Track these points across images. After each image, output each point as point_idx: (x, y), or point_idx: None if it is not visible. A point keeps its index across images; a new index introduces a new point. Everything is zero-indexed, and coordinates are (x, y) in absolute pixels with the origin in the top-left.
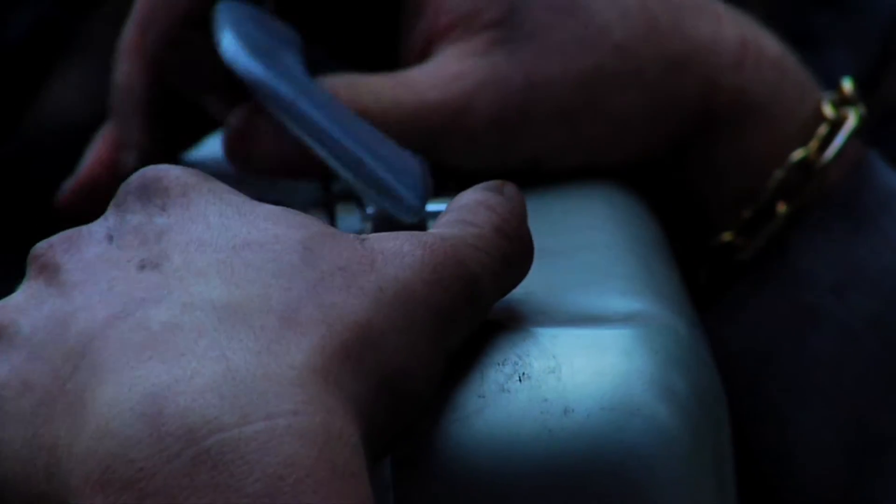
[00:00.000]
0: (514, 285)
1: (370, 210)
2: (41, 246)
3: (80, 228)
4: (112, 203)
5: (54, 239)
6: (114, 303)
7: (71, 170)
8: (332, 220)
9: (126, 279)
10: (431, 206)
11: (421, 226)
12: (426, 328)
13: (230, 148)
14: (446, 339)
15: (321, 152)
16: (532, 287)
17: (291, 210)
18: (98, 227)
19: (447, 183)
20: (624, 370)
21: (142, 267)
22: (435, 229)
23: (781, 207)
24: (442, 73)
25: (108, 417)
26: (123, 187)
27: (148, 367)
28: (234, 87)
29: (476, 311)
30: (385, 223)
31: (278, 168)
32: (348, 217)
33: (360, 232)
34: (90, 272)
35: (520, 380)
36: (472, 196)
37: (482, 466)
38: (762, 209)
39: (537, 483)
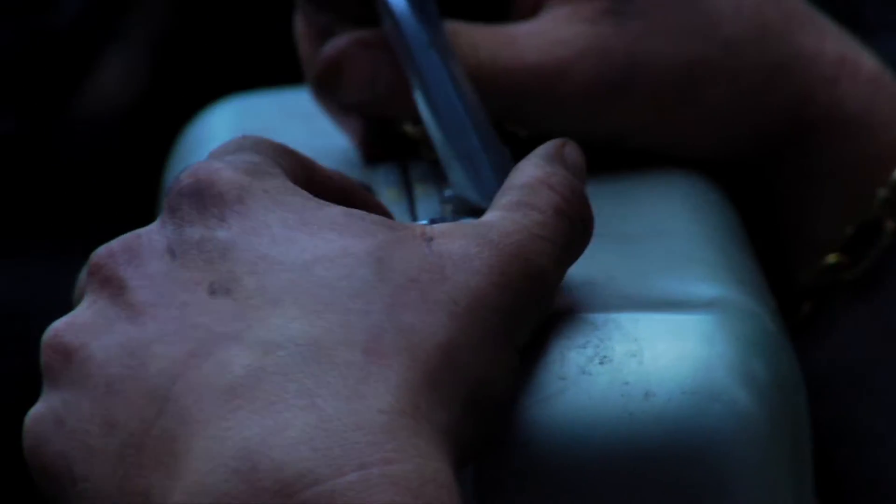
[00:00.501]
0: (572, 264)
1: (448, 193)
2: (101, 254)
3: (140, 235)
4: (165, 206)
5: (114, 246)
6: (190, 336)
7: (113, 153)
8: (410, 202)
9: (198, 305)
10: None
11: None
12: (499, 333)
13: (321, 76)
14: (518, 338)
15: (426, 111)
16: (613, 271)
17: (352, 212)
18: (158, 237)
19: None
20: (705, 355)
21: (212, 291)
22: (496, 212)
23: (890, 225)
24: (545, 35)
25: (202, 472)
26: (174, 188)
27: (238, 417)
28: (367, 20)
29: (544, 303)
30: (463, 206)
31: (365, 104)
32: (426, 198)
33: (435, 221)
34: (158, 294)
35: (601, 363)
36: (532, 173)
37: (562, 448)
38: (866, 228)
39: (616, 466)
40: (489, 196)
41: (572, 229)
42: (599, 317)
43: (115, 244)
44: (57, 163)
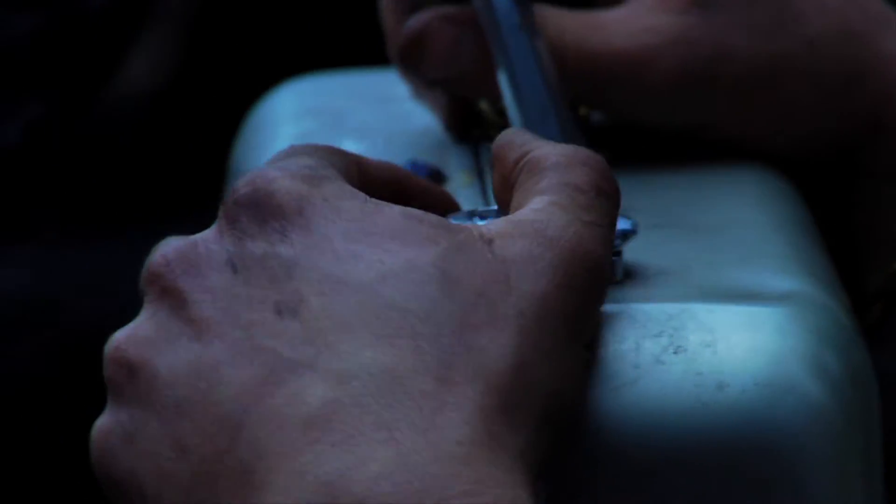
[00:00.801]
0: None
1: None
2: (157, 262)
3: (196, 244)
4: (223, 215)
5: (169, 254)
6: (259, 361)
7: (144, 139)
8: (482, 186)
9: (264, 326)
10: None
11: None
12: (569, 338)
13: (404, 49)
14: (584, 338)
15: (508, 92)
16: (687, 261)
17: (411, 213)
18: (216, 248)
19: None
20: (779, 347)
21: (278, 312)
22: (542, 200)
23: None
24: (633, 23)
25: None
26: (232, 198)
27: (316, 451)
28: None
29: (603, 292)
30: None
31: (447, 80)
32: None
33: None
34: (221, 310)
35: (675, 352)
36: (562, 151)
37: (634, 436)
38: None
39: (688, 456)
40: None
41: (613, 206)
42: (674, 307)
43: (171, 252)
44: (87, 148)
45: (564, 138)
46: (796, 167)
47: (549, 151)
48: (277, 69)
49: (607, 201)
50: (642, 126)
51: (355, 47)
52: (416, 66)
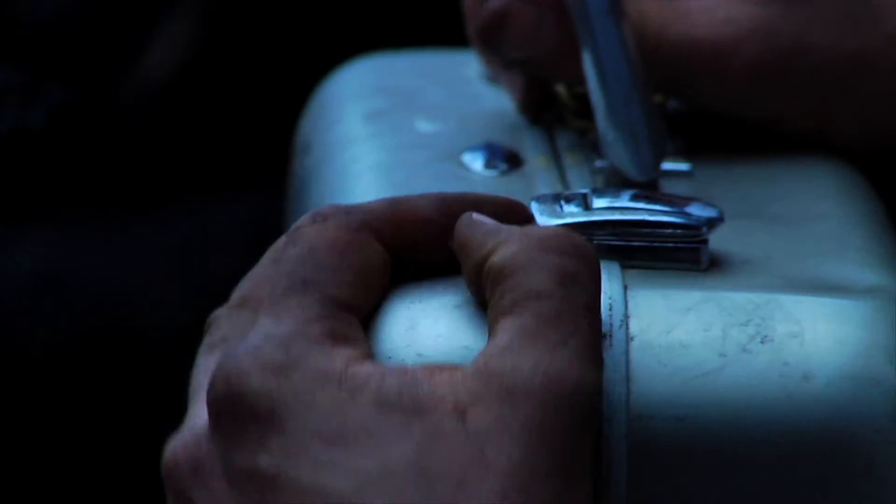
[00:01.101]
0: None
1: (599, 163)
2: (169, 459)
3: (200, 444)
4: (210, 412)
5: (179, 454)
6: None
7: (166, 124)
8: (560, 173)
9: None
10: (667, 166)
11: (652, 184)
12: (561, 490)
13: (484, 28)
14: (581, 474)
15: (593, 76)
16: (771, 252)
17: (385, 402)
18: (216, 450)
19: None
20: (866, 340)
21: None
22: (508, 336)
23: None
24: (716, 12)
25: None
26: (211, 393)
27: None
28: None
29: (591, 414)
30: (615, 178)
31: (526, 60)
32: (575, 167)
33: (587, 194)
34: None
35: (762, 342)
36: (520, 248)
37: (717, 424)
38: None
39: (771, 445)
40: (644, 170)
41: (591, 282)
42: (761, 296)
43: (181, 450)
44: (110, 133)
45: (646, 126)
46: (872, 161)
47: (507, 254)
48: (309, 48)
49: (579, 286)
50: (720, 116)
51: (405, 29)
52: (497, 45)
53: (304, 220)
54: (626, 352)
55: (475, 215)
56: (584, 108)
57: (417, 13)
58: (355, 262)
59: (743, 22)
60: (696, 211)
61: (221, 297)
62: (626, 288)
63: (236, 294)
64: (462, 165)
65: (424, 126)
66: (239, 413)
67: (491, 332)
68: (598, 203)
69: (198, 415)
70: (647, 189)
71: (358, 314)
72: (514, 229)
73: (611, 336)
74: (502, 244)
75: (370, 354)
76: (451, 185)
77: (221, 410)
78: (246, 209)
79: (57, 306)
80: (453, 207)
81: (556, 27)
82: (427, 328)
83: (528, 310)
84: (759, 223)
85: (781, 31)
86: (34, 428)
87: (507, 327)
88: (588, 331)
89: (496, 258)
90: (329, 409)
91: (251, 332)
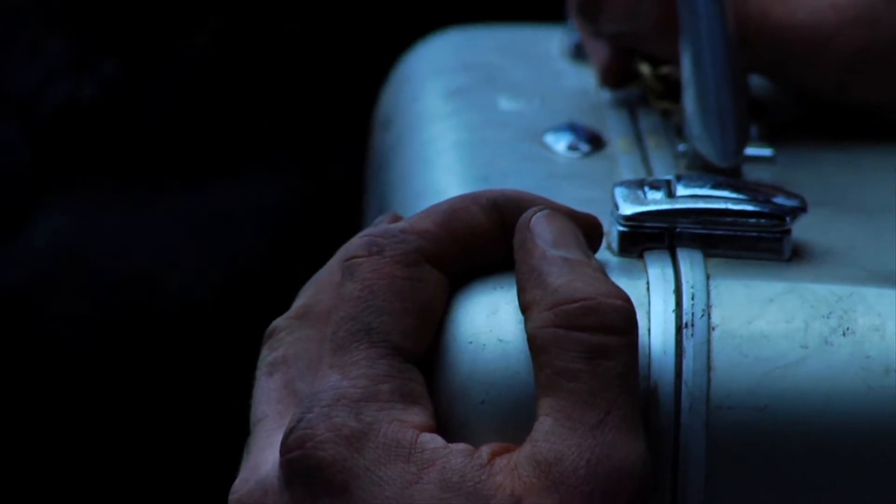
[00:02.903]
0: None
1: (683, 147)
2: (234, 500)
3: (265, 492)
4: (285, 475)
5: (245, 501)
6: None
7: (200, 105)
8: (643, 155)
9: None
10: (749, 151)
11: (735, 171)
12: None
13: (582, 2)
14: None
15: (689, 57)
16: (853, 242)
17: (450, 486)
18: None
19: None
20: None
21: None
22: (546, 411)
23: None
24: None
25: None
26: (285, 455)
27: None
28: None
29: (641, 487)
30: (698, 163)
31: (623, 35)
32: (658, 151)
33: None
34: None
35: (844, 334)
36: (542, 323)
37: (798, 415)
38: None
39: (851, 438)
40: (728, 157)
41: (627, 346)
42: (843, 288)
43: (246, 499)
44: (158, 108)
45: (734, 113)
46: None
47: (537, 324)
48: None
49: (608, 359)
50: (815, 101)
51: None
52: (595, 16)
53: (358, 247)
54: (708, 341)
55: (528, 241)
56: (667, 89)
57: None
58: (417, 303)
59: (845, 9)
60: (780, 200)
61: (246, 275)
62: (708, 277)
63: (297, 303)
64: (544, 146)
65: (506, 104)
66: (312, 483)
67: (537, 405)
68: (682, 191)
69: (266, 461)
70: (731, 175)
71: (421, 360)
72: (550, 285)
73: (692, 325)
74: (535, 306)
75: (434, 411)
76: (534, 167)
77: (295, 475)
78: (270, 189)
79: (79, 282)
80: (506, 214)
81: (653, 4)
82: (509, 314)
83: (563, 390)
84: (841, 212)
85: (882, 21)
86: (58, 407)
87: (547, 408)
88: (624, 402)
89: (529, 326)
90: (398, 486)
91: (319, 384)
